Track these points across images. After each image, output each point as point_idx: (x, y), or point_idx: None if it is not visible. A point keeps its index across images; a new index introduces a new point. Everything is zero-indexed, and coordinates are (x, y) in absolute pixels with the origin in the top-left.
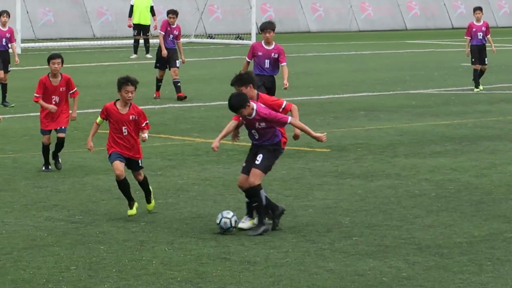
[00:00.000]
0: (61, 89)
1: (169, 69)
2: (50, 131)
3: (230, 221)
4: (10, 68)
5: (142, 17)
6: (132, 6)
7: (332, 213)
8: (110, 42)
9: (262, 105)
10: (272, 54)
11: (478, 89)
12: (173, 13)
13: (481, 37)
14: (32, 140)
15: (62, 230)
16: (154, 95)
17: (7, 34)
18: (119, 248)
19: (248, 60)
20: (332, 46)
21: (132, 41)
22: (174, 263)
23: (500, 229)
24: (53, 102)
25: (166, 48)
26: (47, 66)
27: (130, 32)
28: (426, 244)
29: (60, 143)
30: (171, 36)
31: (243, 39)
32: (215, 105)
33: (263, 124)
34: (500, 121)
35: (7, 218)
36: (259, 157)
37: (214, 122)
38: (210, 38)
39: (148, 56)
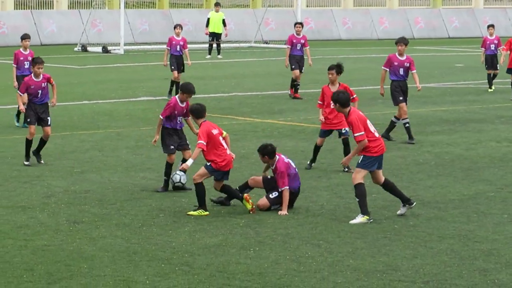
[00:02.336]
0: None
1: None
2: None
3: (180, 177)
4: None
5: (216, 27)
6: (208, 19)
7: None
8: (190, 45)
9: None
10: (405, 64)
11: (491, 90)
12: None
13: (493, 48)
14: (132, 119)
15: (154, 186)
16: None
17: (180, 42)
18: (196, 201)
19: (385, 69)
20: (357, 51)
21: (207, 45)
22: (237, 212)
23: (484, 189)
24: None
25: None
26: (145, 63)
27: (206, 38)
28: (428, 200)
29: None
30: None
31: None
32: (269, 94)
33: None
34: (484, 108)
35: (112, 177)
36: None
37: (268, 107)
38: (266, 44)
39: (219, 56)
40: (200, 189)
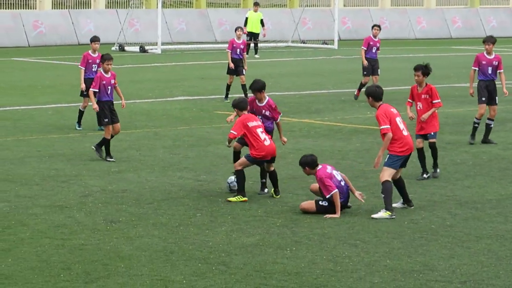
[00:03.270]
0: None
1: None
2: None
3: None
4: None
5: (254, 26)
6: (246, 18)
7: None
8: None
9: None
10: (493, 62)
11: None
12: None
13: None
14: (169, 119)
15: (191, 186)
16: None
17: (241, 46)
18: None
19: (474, 68)
20: (395, 50)
21: None
22: (274, 212)
23: None
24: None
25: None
26: (182, 63)
27: (244, 37)
28: (465, 200)
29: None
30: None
31: (328, 44)
32: (306, 94)
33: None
34: None
35: (149, 176)
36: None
37: (305, 106)
38: (303, 43)
39: (256, 56)
40: (240, 176)
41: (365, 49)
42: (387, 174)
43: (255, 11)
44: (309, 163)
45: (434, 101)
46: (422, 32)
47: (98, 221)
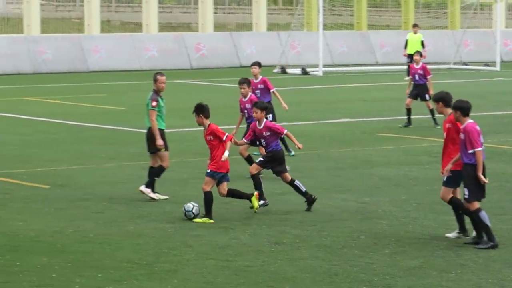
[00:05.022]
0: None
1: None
2: None
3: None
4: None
5: (414, 48)
6: (406, 40)
7: None
8: (389, 67)
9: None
10: None
11: None
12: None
13: None
14: (331, 141)
15: (354, 208)
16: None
17: (419, 71)
18: (397, 223)
19: None
20: None
21: (405, 66)
22: (438, 234)
23: None
24: None
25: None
26: (343, 85)
27: (405, 59)
28: None
29: None
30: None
31: (489, 66)
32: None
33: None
34: None
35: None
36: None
37: None
38: (465, 65)
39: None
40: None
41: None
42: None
43: (415, 32)
44: (457, 107)
45: None
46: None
47: (262, 242)
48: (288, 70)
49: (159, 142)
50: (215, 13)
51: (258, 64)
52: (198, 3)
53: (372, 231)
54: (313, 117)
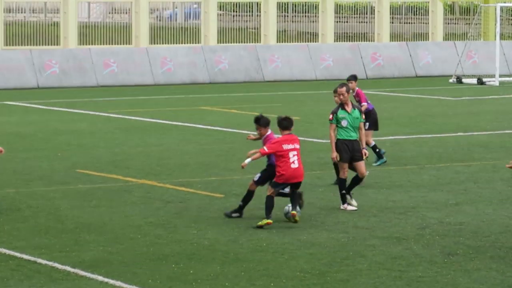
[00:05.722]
0: None
1: None
2: None
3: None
4: None
5: None
6: None
7: None
8: None
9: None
10: None
11: None
12: None
13: None
14: (508, 151)
15: None
16: None
17: None
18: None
19: None
20: None
21: None
22: None
23: None
24: None
25: None
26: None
27: None
28: None
29: None
30: None
31: None
32: None
33: None
34: None
35: (487, 209)
36: None
37: None
38: None
39: None
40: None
41: None
42: None
43: None
44: None
45: None
46: None
47: (436, 253)
48: (464, 80)
49: (332, 154)
50: (392, 22)
51: (354, 77)
52: (374, 12)
53: None
54: (490, 127)
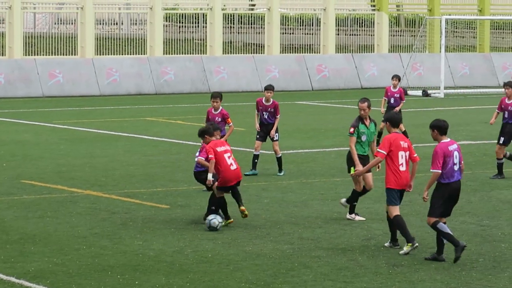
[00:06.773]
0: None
1: None
2: None
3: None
4: None
5: None
6: None
7: None
8: None
9: None
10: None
11: None
12: None
13: None
14: None
15: (473, 231)
16: None
17: None
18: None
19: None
20: None
21: None
22: None
23: None
24: None
25: None
26: (465, 107)
27: None
28: None
29: None
30: None
31: None
32: None
33: None
34: None
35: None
36: None
37: None
38: None
39: None
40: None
41: None
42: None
43: None
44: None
45: None
46: None
47: (381, 264)
48: (409, 92)
49: (357, 167)
50: (337, 34)
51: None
52: (320, 24)
53: (491, 254)
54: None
